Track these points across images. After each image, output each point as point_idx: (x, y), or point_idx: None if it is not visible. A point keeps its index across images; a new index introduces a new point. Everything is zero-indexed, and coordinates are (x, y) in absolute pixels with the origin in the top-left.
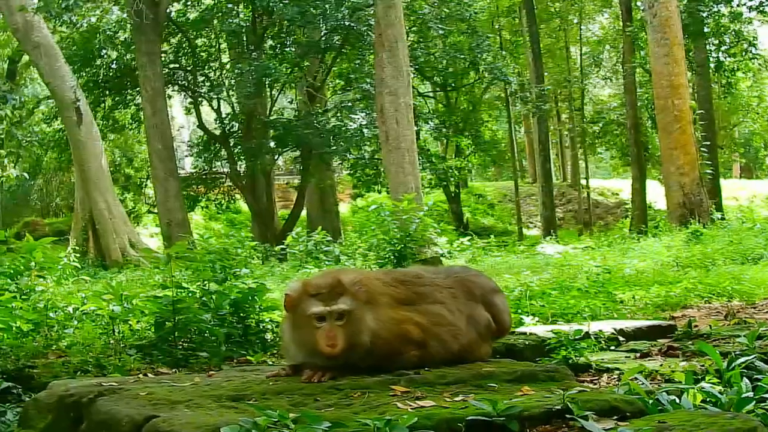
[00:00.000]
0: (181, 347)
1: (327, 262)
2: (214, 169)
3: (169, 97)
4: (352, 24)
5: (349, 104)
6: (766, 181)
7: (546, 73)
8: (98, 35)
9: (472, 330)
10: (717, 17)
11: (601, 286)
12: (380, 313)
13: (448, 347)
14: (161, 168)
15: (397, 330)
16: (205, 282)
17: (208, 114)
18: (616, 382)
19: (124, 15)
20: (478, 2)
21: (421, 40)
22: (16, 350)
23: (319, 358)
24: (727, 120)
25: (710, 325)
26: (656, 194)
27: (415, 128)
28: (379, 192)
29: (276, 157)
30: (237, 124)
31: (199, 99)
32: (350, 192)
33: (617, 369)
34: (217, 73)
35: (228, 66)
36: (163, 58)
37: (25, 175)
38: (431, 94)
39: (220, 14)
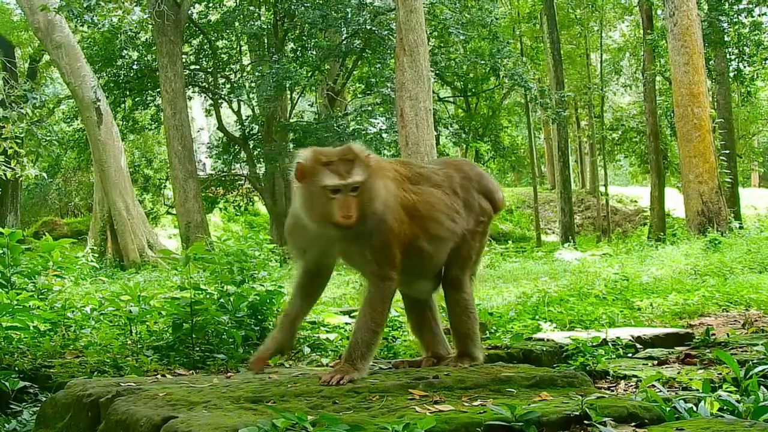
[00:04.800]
0: (198, 349)
1: (345, 266)
2: (233, 171)
3: (190, 98)
4: (374, 28)
5: (369, 108)
6: None
7: (566, 80)
8: (119, 36)
9: (472, 218)
10: (737, 27)
11: (618, 294)
12: (389, 183)
13: (446, 227)
14: (180, 169)
15: (405, 202)
16: (223, 284)
17: (228, 116)
18: (634, 389)
19: (146, 16)
20: (499, 8)
21: (441, 45)
22: (33, 350)
23: (332, 229)
24: (746, 129)
25: (728, 334)
26: (675, 202)
27: (435, 133)
28: None
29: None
30: (257, 127)
31: (220, 101)
32: None
33: (635, 376)
34: (238, 75)
35: (249, 68)
36: (183, 60)
37: (44, 174)
38: (451, 99)
39: (241, 16)
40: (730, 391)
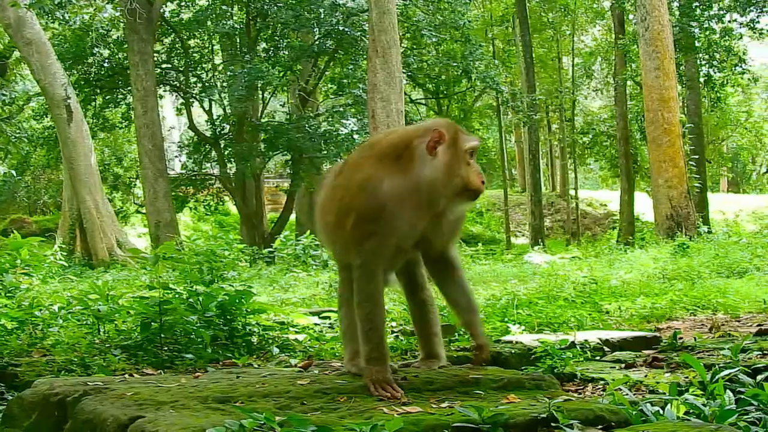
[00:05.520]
0: (166, 348)
1: (315, 267)
2: (203, 171)
3: (161, 97)
4: (346, 29)
5: (341, 109)
6: (752, 195)
7: (537, 83)
8: (91, 33)
9: None
10: (708, 33)
11: (587, 297)
12: None
13: None
14: (151, 168)
15: None
16: (192, 283)
17: (199, 115)
18: (601, 392)
19: (118, 13)
20: (472, 11)
21: (414, 46)
22: None
23: (465, 198)
24: (716, 134)
25: (695, 338)
26: (644, 206)
27: None
28: None
29: (266, 160)
30: (228, 126)
31: (191, 100)
32: None
33: (602, 379)
34: (210, 75)
35: (220, 68)
36: (155, 58)
37: (13, 172)
38: (423, 101)
39: (213, 15)
40: (697, 395)
